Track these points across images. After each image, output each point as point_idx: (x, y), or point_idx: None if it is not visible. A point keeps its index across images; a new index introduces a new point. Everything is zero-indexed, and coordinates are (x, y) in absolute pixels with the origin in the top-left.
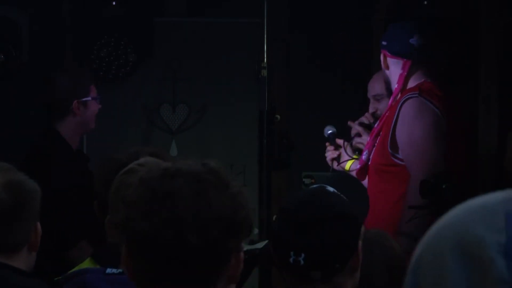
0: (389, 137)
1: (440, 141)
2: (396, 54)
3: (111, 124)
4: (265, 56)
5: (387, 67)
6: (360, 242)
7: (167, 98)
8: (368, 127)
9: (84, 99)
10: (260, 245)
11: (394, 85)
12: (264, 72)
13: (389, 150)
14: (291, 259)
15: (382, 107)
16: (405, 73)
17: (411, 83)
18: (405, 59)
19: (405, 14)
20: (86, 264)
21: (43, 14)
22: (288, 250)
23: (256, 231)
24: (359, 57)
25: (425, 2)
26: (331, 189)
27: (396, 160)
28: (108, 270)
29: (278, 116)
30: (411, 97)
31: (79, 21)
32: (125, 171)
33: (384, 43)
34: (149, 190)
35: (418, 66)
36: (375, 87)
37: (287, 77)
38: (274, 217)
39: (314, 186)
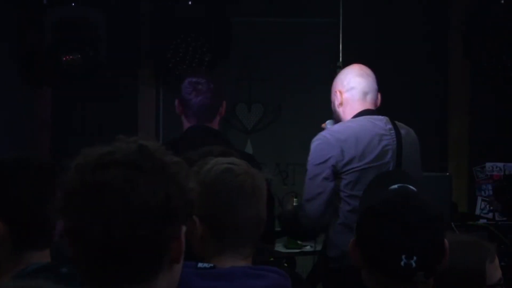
0: None
1: None
2: None
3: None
4: (341, 56)
5: None
6: (447, 242)
7: (242, 97)
8: None
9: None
10: None
11: None
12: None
13: None
14: (402, 263)
15: None
16: None
17: None
18: None
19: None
20: None
21: (120, 14)
22: (399, 254)
23: None
24: (434, 57)
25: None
26: (414, 189)
27: None
28: (200, 265)
29: None
30: None
31: (156, 21)
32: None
33: None
34: (81, 181)
35: None
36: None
37: None
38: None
39: (396, 186)
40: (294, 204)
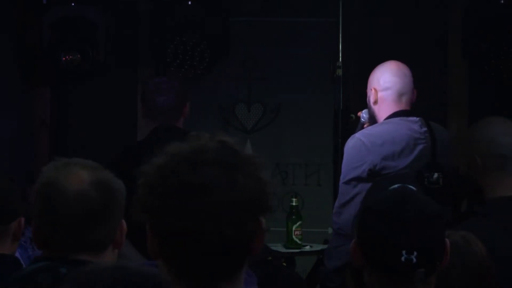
0: None
1: None
2: None
3: (186, 122)
4: (340, 55)
5: None
6: (448, 241)
7: (242, 97)
8: None
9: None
10: None
11: None
12: (339, 72)
13: None
14: (402, 258)
15: None
16: None
17: None
18: None
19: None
20: None
21: (120, 14)
22: (399, 250)
23: (330, 230)
24: (433, 57)
25: (502, 1)
26: (414, 188)
27: None
28: None
29: (353, 115)
30: None
31: (155, 20)
32: None
33: None
34: (178, 181)
35: None
36: None
37: (362, 76)
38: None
39: (396, 186)
40: (294, 203)
